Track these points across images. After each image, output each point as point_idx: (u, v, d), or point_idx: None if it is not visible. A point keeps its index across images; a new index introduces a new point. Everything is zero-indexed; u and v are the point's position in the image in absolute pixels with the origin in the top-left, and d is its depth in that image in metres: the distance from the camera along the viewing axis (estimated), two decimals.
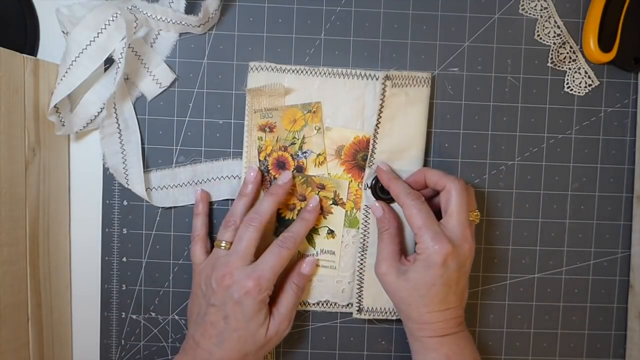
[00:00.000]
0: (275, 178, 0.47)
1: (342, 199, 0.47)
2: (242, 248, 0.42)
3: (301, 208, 0.47)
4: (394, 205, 0.46)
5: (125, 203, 0.48)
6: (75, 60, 0.42)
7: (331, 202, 0.47)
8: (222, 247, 0.44)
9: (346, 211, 0.47)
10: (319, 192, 0.47)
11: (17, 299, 0.41)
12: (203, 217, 0.47)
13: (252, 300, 0.41)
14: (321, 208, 0.47)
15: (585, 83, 0.48)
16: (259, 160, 0.47)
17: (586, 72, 0.48)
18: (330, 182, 0.47)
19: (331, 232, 0.47)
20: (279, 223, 0.47)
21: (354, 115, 0.46)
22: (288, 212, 0.47)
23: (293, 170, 0.47)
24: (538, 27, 0.48)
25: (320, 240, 0.47)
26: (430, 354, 0.42)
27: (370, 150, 0.46)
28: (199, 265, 0.45)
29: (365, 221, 0.47)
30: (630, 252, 0.49)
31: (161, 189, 0.48)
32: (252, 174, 0.46)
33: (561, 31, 0.47)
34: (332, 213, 0.47)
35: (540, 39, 0.48)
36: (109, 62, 0.46)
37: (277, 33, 0.47)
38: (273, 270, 0.42)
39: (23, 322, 0.42)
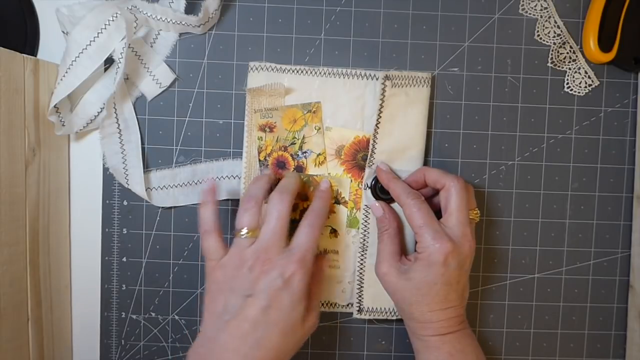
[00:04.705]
0: (275, 178, 0.47)
1: (344, 197, 0.47)
2: (277, 227, 0.39)
3: (303, 208, 0.47)
4: (394, 205, 0.46)
5: (125, 203, 0.48)
6: (75, 60, 0.42)
7: (333, 201, 0.47)
8: (244, 236, 0.39)
9: (347, 210, 0.47)
10: None
11: (17, 299, 0.41)
12: (213, 207, 0.41)
13: (298, 285, 0.38)
14: None
15: (585, 83, 0.48)
16: (259, 160, 0.47)
17: (586, 72, 0.48)
18: (332, 181, 0.47)
19: (334, 232, 0.47)
20: None
21: (354, 115, 0.46)
22: (291, 212, 0.47)
23: (293, 170, 0.47)
24: (538, 27, 0.48)
25: (324, 240, 0.47)
26: (432, 352, 0.42)
27: (370, 150, 0.46)
28: (217, 261, 0.40)
29: (365, 221, 0.47)
30: (630, 252, 0.49)
31: (161, 189, 0.48)
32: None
33: (561, 31, 0.47)
34: (334, 212, 0.47)
35: (540, 39, 0.48)
36: (109, 62, 0.46)
37: (277, 33, 0.47)
38: (311, 252, 0.39)
39: (23, 322, 0.42)
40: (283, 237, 0.39)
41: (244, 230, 0.39)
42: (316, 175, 0.47)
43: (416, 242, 0.42)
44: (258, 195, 0.40)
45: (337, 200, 0.47)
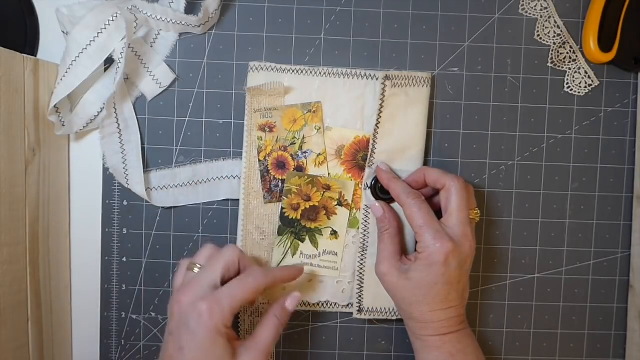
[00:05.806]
0: (275, 178, 0.47)
1: (347, 200, 0.47)
2: (212, 267, 0.38)
3: (305, 208, 0.47)
4: (394, 205, 0.46)
5: (125, 203, 0.48)
6: (75, 60, 0.42)
7: (336, 203, 0.47)
8: (195, 271, 0.39)
9: (349, 212, 0.47)
10: (324, 192, 0.47)
11: (17, 299, 0.41)
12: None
13: (204, 328, 0.35)
14: (325, 209, 0.47)
15: (585, 83, 0.48)
16: (259, 160, 0.47)
17: (586, 72, 0.48)
18: (336, 183, 0.47)
19: (334, 233, 0.47)
20: (282, 222, 0.47)
21: (354, 115, 0.46)
22: (292, 211, 0.47)
23: (294, 170, 0.47)
24: (538, 27, 0.48)
25: (324, 241, 0.47)
26: (433, 352, 0.42)
27: (370, 150, 0.46)
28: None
29: (365, 221, 0.47)
30: (630, 252, 0.49)
31: (161, 189, 0.48)
32: None
33: (561, 31, 0.47)
34: (336, 214, 0.47)
35: (540, 39, 0.48)
36: (109, 62, 0.46)
37: (277, 33, 0.47)
38: (233, 299, 0.37)
39: (23, 322, 0.42)
40: (216, 277, 0.38)
41: (197, 266, 0.40)
42: (321, 177, 0.47)
43: (416, 242, 0.42)
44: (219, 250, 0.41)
45: (339, 202, 0.47)
